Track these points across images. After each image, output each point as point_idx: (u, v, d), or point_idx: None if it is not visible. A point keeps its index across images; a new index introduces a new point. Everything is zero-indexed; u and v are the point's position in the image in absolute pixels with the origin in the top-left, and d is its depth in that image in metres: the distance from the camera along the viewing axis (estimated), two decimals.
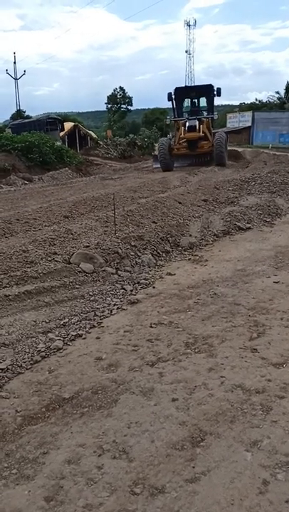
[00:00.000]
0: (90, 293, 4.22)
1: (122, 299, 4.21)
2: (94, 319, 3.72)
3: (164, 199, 8.02)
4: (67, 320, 3.62)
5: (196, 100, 17.59)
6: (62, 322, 3.58)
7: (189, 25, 70.76)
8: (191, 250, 6.10)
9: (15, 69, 40.17)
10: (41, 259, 4.65)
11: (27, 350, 3.11)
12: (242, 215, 7.94)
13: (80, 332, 3.47)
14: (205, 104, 17.67)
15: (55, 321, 3.59)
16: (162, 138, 18.04)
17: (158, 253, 5.71)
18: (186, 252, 6.02)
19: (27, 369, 2.94)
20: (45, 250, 4.88)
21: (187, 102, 17.95)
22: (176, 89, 17.19)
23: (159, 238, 6.02)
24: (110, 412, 2.47)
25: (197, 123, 15.47)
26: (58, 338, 3.33)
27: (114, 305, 4.05)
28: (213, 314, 3.85)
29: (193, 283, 4.73)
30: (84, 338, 3.41)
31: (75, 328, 3.51)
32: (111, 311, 3.92)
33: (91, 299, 4.11)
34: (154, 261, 5.48)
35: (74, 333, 3.43)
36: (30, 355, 3.07)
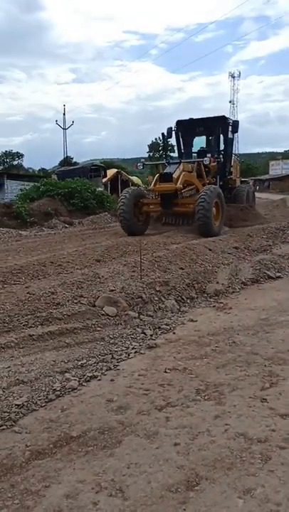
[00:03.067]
0: (111, 336, 4.39)
1: (141, 343, 4.35)
2: (111, 362, 3.87)
3: (195, 245, 8.20)
4: (85, 361, 3.79)
5: (207, 138, 13.90)
6: (80, 363, 3.75)
7: (234, 77, 73.25)
8: (216, 297, 6.20)
9: (64, 119, 42.87)
10: (68, 301, 4.89)
11: (43, 389, 3.29)
12: (273, 263, 7.98)
13: (96, 373, 3.62)
14: (219, 143, 13.85)
15: (73, 361, 3.77)
16: (127, 188, 13.16)
17: (182, 299, 5.84)
18: (211, 299, 6.12)
19: (41, 406, 3.11)
20: (73, 293, 5.13)
21: (199, 141, 14.20)
22: (179, 123, 13.70)
23: (184, 284, 6.17)
24: (113, 452, 2.58)
25: (178, 170, 10.89)
26: (74, 378, 3.49)
27: (133, 349, 4.19)
28: (228, 362, 3.91)
29: (214, 330, 4.81)
30: (99, 380, 3.55)
31: (92, 370, 3.67)
32: (128, 355, 4.06)
33: (111, 341, 4.28)
34: (178, 307, 5.61)
35: (90, 374, 3.59)
36: (45, 393, 3.24)
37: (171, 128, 13.90)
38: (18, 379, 3.37)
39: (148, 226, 11.79)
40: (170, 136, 14.12)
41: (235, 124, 13.83)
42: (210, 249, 8.20)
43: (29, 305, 4.73)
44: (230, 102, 73.23)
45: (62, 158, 46.47)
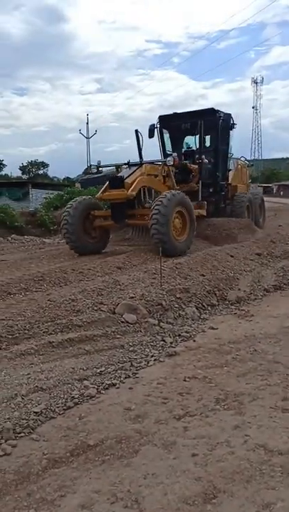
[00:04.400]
0: (130, 343, 4.36)
1: (160, 351, 4.31)
2: (130, 369, 3.84)
3: (216, 252, 8.12)
4: (103, 369, 3.78)
5: (197, 135, 11.19)
6: (98, 370, 3.74)
7: (256, 83, 72.86)
8: (238, 305, 6.11)
9: (87, 129, 43.44)
10: (88, 308, 4.90)
11: (62, 396, 3.28)
12: None
13: (115, 381, 3.60)
14: (215, 142, 11.57)
15: (92, 369, 3.76)
16: (78, 198, 10.01)
17: (203, 306, 5.78)
18: (232, 307, 6.04)
19: (59, 414, 3.10)
20: (93, 300, 5.14)
21: (192, 141, 11.95)
22: (161, 118, 11.74)
23: (205, 291, 6.10)
24: (130, 462, 2.55)
25: (136, 173, 8.88)
26: (93, 386, 3.48)
27: (152, 356, 4.16)
28: (249, 371, 3.83)
29: (235, 338, 4.73)
30: (117, 388, 3.53)
31: (110, 377, 3.65)
32: (148, 363, 4.02)
33: (130, 349, 4.25)
34: (198, 314, 5.55)
35: (108, 382, 3.57)
36: (64, 400, 3.24)
37: (154, 125, 11.75)
38: (37, 386, 3.37)
39: (106, 243, 9.83)
40: (152, 135, 11.70)
41: (227, 118, 11.53)
42: (232, 256, 8.09)
43: (49, 312, 4.76)
44: (253, 107, 72.81)
45: (86, 166, 47.09)
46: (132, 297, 5.26)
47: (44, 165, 69.21)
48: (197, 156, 11.01)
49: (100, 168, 10.84)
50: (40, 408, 3.09)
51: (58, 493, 2.30)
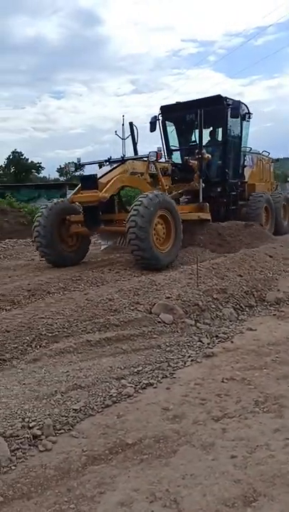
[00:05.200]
0: (167, 343, 4.36)
1: (197, 352, 4.28)
2: (167, 369, 3.84)
3: (254, 252, 8.00)
4: (141, 368, 3.79)
5: (201, 128, 9.61)
6: (136, 370, 3.76)
7: None
8: (277, 306, 5.99)
9: (123, 130, 43.65)
10: (124, 307, 4.94)
11: (100, 394, 3.32)
12: None
13: (152, 381, 3.61)
14: (223, 134, 10.34)
15: (129, 368, 3.78)
16: (48, 203, 8.48)
17: (241, 307, 5.70)
18: (271, 308, 5.92)
19: (98, 412, 3.14)
20: (129, 299, 5.17)
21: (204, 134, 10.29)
22: (163, 109, 10.61)
23: (243, 292, 6.02)
24: (168, 462, 2.55)
25: (114, 171, 7.84)
26: (130, 385, 3.50)
27: (189, 357, 4.14)
28: None
29: (274, 340, 4.64)
30: (155, 387, 3.54)
31: (148, 377, 3.66)
32: (185, 363, 4.01)
33: (167, 349, 4.25)
34: (236, 315, 5.48)
35: (146, 382, 3.58)
36: (102, 399, 3.27)
37: (156, 117, 10.59)
38: (76, 384, 3.42)
39: (86, 251, 8.71)
40: (154, 129, 10.61)
41: (236, 106, 10.04)
42: (270, 256, 7.96)
43: (87, 311, 4.82)
44: None
45: None
46: (169, 297, 5.26)
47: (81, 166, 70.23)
48: (197, 150, 9.59)
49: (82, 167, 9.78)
50: (79, 406, 3.14)
51: (98, 490, 2.33)
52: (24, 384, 3.43)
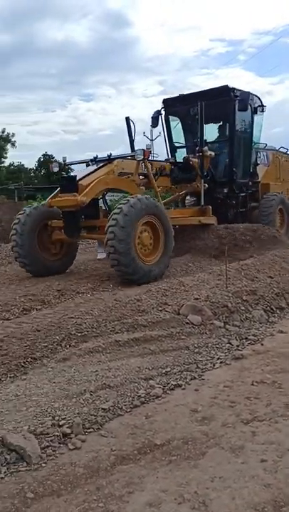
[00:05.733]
0: (195, 345, 4.34)
1: (226, 354, 4.24)
2: (195, 371, 3.82)
3: (285, 253, 7.86)
4: (169, 369, 3.79)
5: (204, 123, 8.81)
6: (164, 371, 3.75)
7: None
8: None
9: (151, 131, 43.76)
10: (152, 308, 4.94)
11: (128, 394, 3.33)
12: None
13: (180, 382, 3.60)
14: (230, 129, 9.43)
15: (157, 369, 3.78)
16: (26, 208, 7.74)
17: (271, 309, 5.62)
18: None
19: (126, 412, 3.15)
20: (157, 300, 5.17)
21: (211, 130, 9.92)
22: (166, 103, 9.81)
23: (273, 294, 5.93)
24: (197, 464, 2.53)
25: (98, 172, 7.10)
26: (158, 385, 3.50)
27: (218, 359, 4.10)
28: None
29: None
30: (183, 389, 3.52)
31: (176, 378, 3.65)
32: (214, 365, 3.98)
33: (195, 350, 4.23)
34: (266, 317, 5.41)
35: (174, 383, 3.57)
36: (130, 399, 3.28)
37: (158, 111, 9.72)
38: (104, 383, 3.45)
39: (73, 258, 8.03)
40: (156, 124, 9.78)
41: (245, 98, 8.96)
42: None
43: (116, 311, 4.85)
44: None
45: None
46: (197, 298, 5.23)
47: None
48: (198, 147, 8.68)
49: (68, 166, 8.95)
50: (108, 405, 3.16)
51: (126, 490, 2.34)
52: (54, 382, 3.48)
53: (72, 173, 8.26)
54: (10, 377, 3.67)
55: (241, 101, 9.05)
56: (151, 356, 4.04)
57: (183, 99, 9.75)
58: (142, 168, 7.63)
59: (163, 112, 9.87)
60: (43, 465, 2.55)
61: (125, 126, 9.25)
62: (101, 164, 7.33)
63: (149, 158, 7.63)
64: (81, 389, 3.34)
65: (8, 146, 26.86)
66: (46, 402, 3.14)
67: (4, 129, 26.52)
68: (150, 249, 6.80)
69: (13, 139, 26.86)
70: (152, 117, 9.85)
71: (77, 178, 6.95)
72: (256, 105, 9.89)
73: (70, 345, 4.22)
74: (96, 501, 2.26)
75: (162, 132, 10.10)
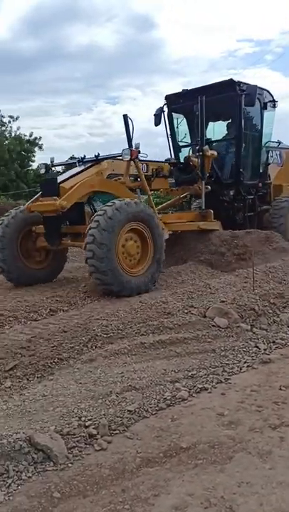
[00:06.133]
0: (222, 348, 4.30)
1: (253, 358, 4.19)
2: (222, 375, 3.78)
3: None
4: (195, 372, 3.76)
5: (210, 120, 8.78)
6: (190, 374, 3.73)
7: None
8: None
9: (177, 133, 43.78)
10: (178, 311, 4.92)
11: (154, 397, 3.33)
12: None
13: (206, 385, 3.57)
14: (236, 126, 8.61)
15: (183, 371, 3.76)
16: (12, 210, 7.12)
17: None
18: None
19: (152, 414, 3.15)
20: (183, 303, 5.15)
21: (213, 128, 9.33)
22: (169, 99, 9.11)
23: None
24: (223, 468, 2.51)
25: (82, 175, 6.54)
26: (184, 388, 3.48)
27: (245, 362, 4.05)
28: None
29: None
30: (209, 392, 3.49)
31: (202, 381, 3.63)
32: (240, 369, 3.93)
33: (222, 353, 4.19)
34: None
35: (200, 386, 3.55)
36: (156, 401, 3.28)
37: (161, 108, 9.02)
38: (130, 385, 3.46)
39: (60, 266, 7.42)
40: (158, 122, 9.04)
41: (252, 92, 8.14)
42: None
43: (141, 313, 4.85)
44: None
45: None
46: (223, 301, 5.18)
47: None
48: (198, 147, 7.99)
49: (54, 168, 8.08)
50: (134, 407, 3.16)
51: (152, 492, 2.33)
52: (80, 383, 3.51)
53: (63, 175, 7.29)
54: (37, 377, 3.72)
55: (248, 95, 8.20)
56: (177, 359, 4.02)
57: (186, 94, 8.86)
58: (131, 169, 7.01)
59: (166, 109, 9.12)
60: (70, 465, 2.57)
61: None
62: (89, 165, 6.75)
63: (140, 159, 6.97)
64: (107, 390, 3.36)
65: (36, 149, 27.17)
66: (73, 403, 3.17)
67: (32, 132, 26.82)
68: (136, 259, 6.14)
69: (40, 143, 27.19)
70: (155, 115, 9.06)
71: (59, 180, 6.38)
72: (266, 100, 9.03)
73: (95, 347, 4.25)
74: (122, 503, 2.27)
75: (165, 131, 9.19)
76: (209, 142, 8.61)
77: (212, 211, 8.10)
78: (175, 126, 9.44)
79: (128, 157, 6.59)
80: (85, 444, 2.78)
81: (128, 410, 3.13)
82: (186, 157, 8.29)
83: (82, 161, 7.04)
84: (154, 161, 7.65)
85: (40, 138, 27.19)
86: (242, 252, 7.41)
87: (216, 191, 8.48)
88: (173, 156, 9.22)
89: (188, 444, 2.75)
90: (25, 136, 26.62)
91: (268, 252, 7.63)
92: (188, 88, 9.05)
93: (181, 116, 9.37)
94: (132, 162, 6.69)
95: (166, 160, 8.34)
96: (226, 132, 9.23)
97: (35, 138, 26.93)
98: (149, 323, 4.62)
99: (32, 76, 74.93)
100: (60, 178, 6.53)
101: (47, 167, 7.59)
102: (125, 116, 7.59)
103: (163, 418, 3.11)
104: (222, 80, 8.63)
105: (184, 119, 9.42)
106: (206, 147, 7.92)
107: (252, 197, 9.13)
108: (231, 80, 8.40)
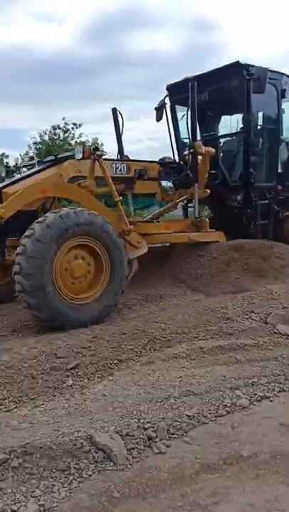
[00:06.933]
0: (284, 356, 4.15)
1: None
2: (284, 383, 3.66)
3: None
4: (256, 380, 3.66)
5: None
6: (250, 381, 3.64)
7: None
8: None
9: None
10: (238, 316, 4.83)
11: (213, 403, 3.28)
12: None
13: (268, 394, 3.47)
14: (245, 117, 7.50)
15: (243, 379, 3.67)
16: None
17: None
18: None
19: (211, 420, 3.10)
20: (243, 308, 5.04)
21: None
22: (172, 91, 7.86)
23: None
24: (286, 480, 2.42)
25: (34, 178, 5.63)
26: (245, 396, 3.40)
27: None
28: None
29: None
30: (271, 401, 3.39)
31: (263, 389, 3.53)
32: None
33: (284, 362, 4.05)
34: None
35: (261, 394, 3.45)
36: (215, 407, 3.22)
37: (163, 101, 7.77)
38: (189, 390, 3.43)
39: None
40: (160, 117, 7.79)
41: (261, 76, 6.85)
42: None
43: (200, 318, 4.81)
44: None
45: None
46: (286, 307, 5.02)
47: None
48: (189, 144, 6.94)
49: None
50: (193, 412, 3.13)
51: (211, 500, 2.30)
52: (139, 385, 3.53)
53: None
54: (97, 377, 3.79)
55: (257, 80, 6.88)
56: (237, 365, 3.94)
57: (188, 84, 7.18)
58: (114, 170, 6.19)
59: (168, 102, 7.87)
60: (129, 466, 2.58)
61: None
62: (48, 165, 5.88)
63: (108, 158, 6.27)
64: (165, 394, 3.35)
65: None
66: (132, 404, 3.18)
67: (96, 138, 27.43)
68: (87, 281, 5.07)
69: (102, 148, 27.84)
70: (156, 109, 7.75)
71: (2, 185, 5.52)
72: (284, 87, 7.63)
73: (154, 349, 4.25)
74: (181, 508, 2.25)
75: (168, 125, 8.01)
76: (216, 138, 7.74)
77: (208, 220, 7.09)
78: (179, 120, 8.18)
79: (80, 155, 5.64)
80: (144, 446, 2.78)
81: (187, 415, 3.10)
82: (183, 155, 7.23)
83: (42, 161, 6.27)
84: (139, 161, 6.82)
85: (102, 144, 27.80)
86: (226, 271, 6.31)
87: (222, 195, 7.49)
88: (176, 155, 8.07)
89: (249, 453, 2.69)
90: (88, 142, 27.33)
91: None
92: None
93: (184, 108, 7.65)
94: (96, 162, 5.69)
95: (160, 159, 7.36)
96: (241, 125, 7.81)
97: (99, 144, 27.54)
98: (208, 328, 4.56)
99: (94, 82, 76.94)
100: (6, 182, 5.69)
101: (8, 170, 6.65)
102: (114, 110, 7.05)
103: (222, 425, 3.05)
104: (227, 64, 7.39)
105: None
106: (199, 143, 6.79)
107: (266, 202, 7.76)
108: (237, 62, 7.17)
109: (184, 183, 7.04)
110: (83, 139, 27.25)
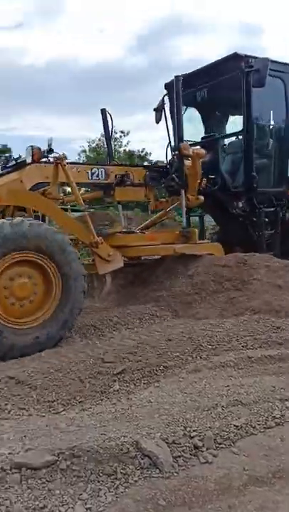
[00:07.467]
0: None
1: None
2: None
3: None
4: None
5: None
6: None
7: None
8: None
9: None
10: (287, 325, 4.69)
11: (262, 414, 3.19)
12: None
13: None
14: (245, 114, 6.73)
15: None
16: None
17: None
18: None
19: (260, 432, 3.02)
20: None
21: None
22: (170, 88, 6.65)
23: None
24: None
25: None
26: None
27: None
28: None
29: None
30: None
31: None
32: None
33: None
34: None
35: None
36: (264, 418, 3.14)
37: (162, 100, 6.88)
38: (236, 399, 3.35)
39: None
40: (159, 118, 6.85)
41: (261, 67, 6.10)
42: None
43: (248, 326, 4.72)
44: None
45: None
46: None
47: None
48: (173, 144, 6.42)
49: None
50: (241, 422, 3.06)
51: None
52: (185, 393, 3.50)
53: None
54: (144, 383, 3.80)
55: (257, 73, 6.12)
56: (286, 376, 3.82)
57: (189, 79, 6.65)
58: (90, 176, 5.66)
59: (167, 101, 7.01)
60: (175, 474, 2.56)
61: None
62: (8, 170, 5.29)
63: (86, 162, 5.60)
64: (212, 403, 3.29)
65: (145, 163, 28.31)
66: (178, 412, 3.16)
67: (144, 148, 27.84)
68: (34, 302, 4.49)
69: (150, 158, 28.22)
70: (155, 109, 6.97)
71: None
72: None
73: (200, 357, 4.21)
74: None
75: (166, 125, 6.99)
76: (216, 139, 7.07)
77: (196, 230, 6.52)
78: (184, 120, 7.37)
79: (30, 159, 5.04)
80: (190, 454, 2.75)
81: (234, 425, 3.03)
82: (174, 156, 6.41)
83: (5, 166, 5.60)
84: (122, 165, 6.43)
85: (150, 153, 28.12)
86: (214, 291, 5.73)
87: (223, 202, 6.88)
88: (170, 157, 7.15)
89: None
90: (137, 150, 27.70)
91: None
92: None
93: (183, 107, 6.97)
94: (59, 167, 5.12)
95: (153, 163, 6.97)
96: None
97: (146, 154, 27.93)
98: (256, 337, 4.47)
99: (141, 90, 77.78)
100: None
101: None
102: (103, 111, 6.59)
103: (271, 437, 2.97)
104: (226, 56, 6.77)
105: (191, 111, 7.67)
106: (185, 144, 6.15)
107: (272, 209, 7.04)
108: (235, 53, 6.54)
109: (175, 190, 6.39)
110: (130, 147, 27.69)
